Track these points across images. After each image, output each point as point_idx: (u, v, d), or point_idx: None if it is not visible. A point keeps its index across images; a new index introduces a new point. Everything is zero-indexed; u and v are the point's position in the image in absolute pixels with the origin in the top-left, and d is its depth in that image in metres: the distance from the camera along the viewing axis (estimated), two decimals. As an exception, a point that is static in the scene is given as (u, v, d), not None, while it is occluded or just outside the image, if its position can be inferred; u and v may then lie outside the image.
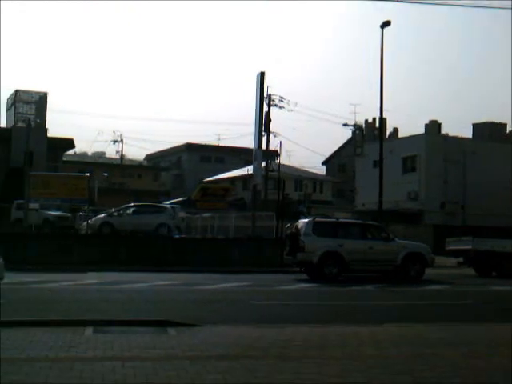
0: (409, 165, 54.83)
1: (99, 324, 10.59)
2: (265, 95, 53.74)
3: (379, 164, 33.66)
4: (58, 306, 13.94)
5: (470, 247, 26.83)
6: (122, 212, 32.77)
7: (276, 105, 55.09)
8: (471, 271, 27.33)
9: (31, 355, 7.97)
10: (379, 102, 32.83)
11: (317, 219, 23.83)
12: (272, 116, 52.77)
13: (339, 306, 15.45)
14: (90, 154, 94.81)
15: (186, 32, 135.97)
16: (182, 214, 34.42)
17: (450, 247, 28.30)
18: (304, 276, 23.69)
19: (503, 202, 49.92)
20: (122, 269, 25.64)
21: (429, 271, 23.85)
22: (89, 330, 10.03)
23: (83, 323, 10.59)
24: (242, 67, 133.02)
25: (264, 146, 53.22)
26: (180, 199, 50.95)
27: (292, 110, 55.42)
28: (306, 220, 23.88)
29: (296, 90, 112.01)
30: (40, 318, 11.05)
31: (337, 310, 14.63)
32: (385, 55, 32.63)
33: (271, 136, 52.61)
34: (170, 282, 20.18)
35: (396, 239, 23.83)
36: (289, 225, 25.87)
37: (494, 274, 26.62)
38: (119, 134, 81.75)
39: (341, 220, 24.89)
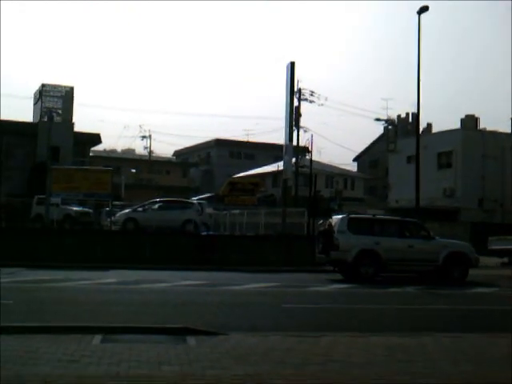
0: (444, 161, 53.15)
1: (109, 331, 9.29)
2: (295, 89, 52.67)
3: (416, 158, 32.01)
4: (69, 308, 12.73)
5: (515, 247, 25.26)
6: (147, 207, 31.63)
7: (306, 99, 53.81)
8: (516, 272, 25.67)
9: (21, 372, 6.68)
10: (416, 91, 31.03)
11: (352, 215, 22.31)
12: (302, 111, 51.71)
13: (379, 311, 13.97)
14: (119, 150, 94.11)
15: (216, 23, 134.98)
16: (209, 210, 33.19)
17: (493, 247, 26.68)
18: (338, 276, 22.29)
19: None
20: (146, 267, 24.71)
21: (470, 272, 22.21)
22: (97, 339, 8.73)
23: (91, 330, 9.30)
24: (272, 61, 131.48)
25: (294, 142, 52.10)
26: (208, 195, 49.82)
27: (322, 105, 54.16)
28: (340, 216, 22.38)
29: (326, 85, 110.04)
30: (42, 324, 9.75)
31: (377, 315, 13.18)
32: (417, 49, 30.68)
33: (301, 131, 51.50)
34: (194, 282, 18.89)
35: (437, 238, 22.25)
36: (321, 221, 24.43)
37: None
38: (147, 129, 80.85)
39: (377, 216, 23.28)
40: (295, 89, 52.20)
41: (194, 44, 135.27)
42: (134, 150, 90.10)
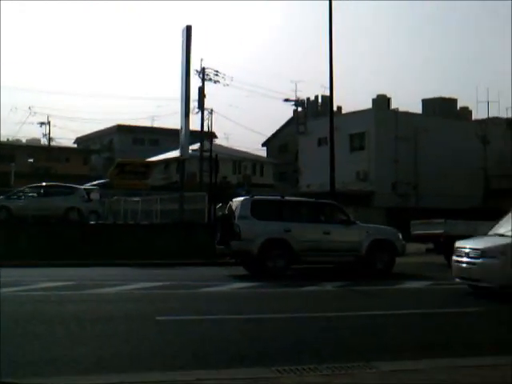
0: (357, 143, 50.71)
1: None
2: (198, 68, 48.76)
3: (330, 138, 28.81)
4: None
5: (441, 231, 22.35)
6: (22, 194, 27.30)
7: (211, 79, 50.18)
8: (440, 259, 22.78)
9: None
10: (328, 68, 27.92)
11: (256, 197, 18.58)
12: (206, 91, 48.02)
13: (294, 323, 10.09)
14: (24, 140, 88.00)
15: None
16: (94, 196, 28.85)
17: (417, 232, 23.76)
18: (241, 270, 18.69)
19: (457, 181, 46.30)
20: (17, 264, 20.59)
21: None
22: None
23: None
24: (174, 40, 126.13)
25: (198, 126, 48.18)
26: (101, 181, 45.47)
27: (228, 85, 50.74)
28: (242, 198, 18.67)
29: (234, 65, 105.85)
30: None
31: (288, 332, 9.43)
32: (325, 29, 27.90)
33: (206, 113, 47.97)
34: (57, 284, 14.88)
35: (358, 222, 18.87)
36: (220, 205, 20.67)
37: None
38: (40, 112, 75.11)
39: (287, 198, 19.56)
40: (199, 68, 48.79)
41: (93, 20, 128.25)
42: (39, 140, 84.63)
